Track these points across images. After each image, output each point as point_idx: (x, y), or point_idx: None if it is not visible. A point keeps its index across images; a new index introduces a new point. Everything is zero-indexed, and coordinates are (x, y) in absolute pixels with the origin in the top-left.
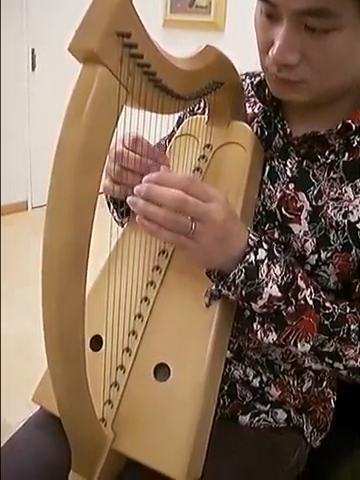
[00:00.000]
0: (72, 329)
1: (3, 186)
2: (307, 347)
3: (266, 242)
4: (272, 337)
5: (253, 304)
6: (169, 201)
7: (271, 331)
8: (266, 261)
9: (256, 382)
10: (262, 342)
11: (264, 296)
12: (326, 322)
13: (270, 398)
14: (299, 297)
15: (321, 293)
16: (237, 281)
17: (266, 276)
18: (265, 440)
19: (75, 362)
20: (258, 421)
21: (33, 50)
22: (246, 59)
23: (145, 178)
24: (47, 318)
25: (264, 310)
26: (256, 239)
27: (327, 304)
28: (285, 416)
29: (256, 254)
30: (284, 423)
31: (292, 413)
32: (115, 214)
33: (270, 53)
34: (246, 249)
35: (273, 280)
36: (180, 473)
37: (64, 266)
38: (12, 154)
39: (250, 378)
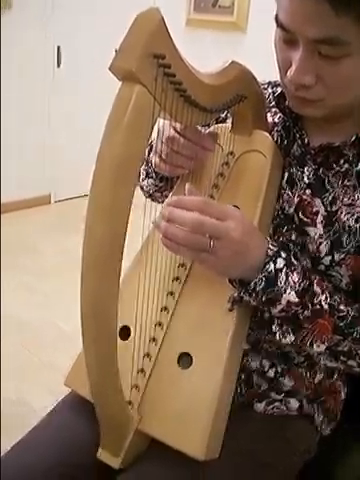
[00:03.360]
0: (107, 318)
1: (27, 180)
2: (322, 348)
3: (284, 250)
4: (290, 338)
5: (272, 309)
6: (188, 223)
7: (289, 333)
8: (284, 269)
9: (271, 372)
10: (280, 343)
11: (283, 302)
12: (341, 324)
13: (284, 388)
14: (315, 302)
15: (336, 297)
16: (258, 289)
17: (284, 283)
18: (278, 426)
19: (108, 348)
20: (272, 409)
21: (59, 47)
22: (267, 60)
23: (166, 201)
24: (85, 308)
25: (282, 314)
26: (275, 249)
27: (341, 307)
28: (297, 405)
29: (275, 263)
30: (296, 411)
31: (304, 402)
32: (151, 187)
33: (288, 74)
34: (266, 259)
35: (291, 287)
36: (199, 453)
37: (101, 262)
38: (37, 149)
39: (266, 369)
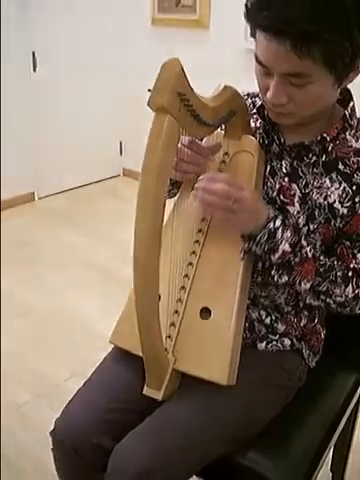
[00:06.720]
0: (153, 284)
1: (12, 179)
2: (307, 285)
3: (280, 216)
4: (284, 278)
5: (272, 256)
6: (219, 192)
7: (283, 274)
8: (281, 227)
9: (268, 320)
10: (278, 283)
11: (279, 251)
12: (321, 269)
13: (278, 331)
14: (302, 251)
15: (317, 249)
16: (262, 241)
17: (281, 237)
18: (276, 359)
19: (152, 308)
20: (271, 347)
21: (34, 53)
22: (229, 53)
23: (202, 176)
24: (138, 278)
25: (279, 261)
26: (274, 213)
27: (321, 257)
28: (289, 342)
29: (274, 223)
30: (289, 347)
31: (294, 340)
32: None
33: (267, 95)
34: (268, 219)
35: (285, 240)
36: (223, 379)
37: (150, 239)
38: (20, 149)
39: (263, 317)
